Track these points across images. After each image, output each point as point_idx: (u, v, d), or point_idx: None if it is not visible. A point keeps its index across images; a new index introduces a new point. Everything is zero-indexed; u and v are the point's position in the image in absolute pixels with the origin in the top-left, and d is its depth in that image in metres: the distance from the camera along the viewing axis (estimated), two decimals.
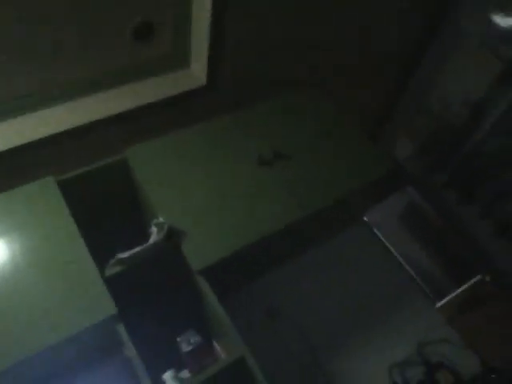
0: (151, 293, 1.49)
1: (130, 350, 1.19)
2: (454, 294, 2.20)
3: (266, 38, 1.83)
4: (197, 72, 1.82)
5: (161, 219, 1.36)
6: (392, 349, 1.96)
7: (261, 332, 1.66)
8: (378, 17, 2.07)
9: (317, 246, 2.01)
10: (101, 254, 1.32)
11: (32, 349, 1.12)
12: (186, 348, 1.31)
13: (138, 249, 1.28)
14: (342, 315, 2.01)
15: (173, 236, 1.36)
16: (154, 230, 1.34)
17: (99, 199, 1.60)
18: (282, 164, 1.60)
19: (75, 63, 1.58)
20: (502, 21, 1.90)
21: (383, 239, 2.40)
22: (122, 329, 1.21)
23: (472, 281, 2.24)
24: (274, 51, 1.93)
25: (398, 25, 2.20)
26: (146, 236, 1.38)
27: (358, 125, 1.84)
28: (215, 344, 1.48)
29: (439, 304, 2.18)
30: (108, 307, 1.20)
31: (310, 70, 2.12)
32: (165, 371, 1.27)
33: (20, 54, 1.42)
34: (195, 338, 1.32)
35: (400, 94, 2.64)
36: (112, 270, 1.28)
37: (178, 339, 1.33)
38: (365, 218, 2.44)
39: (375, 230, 2.43)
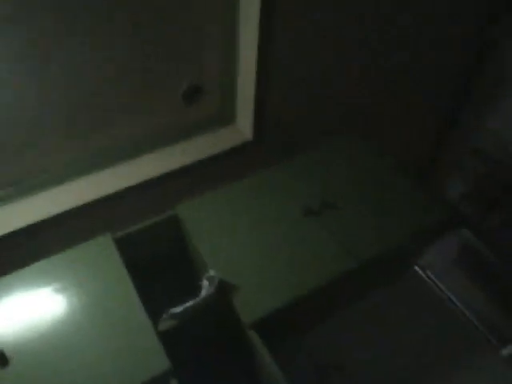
0: (204, 347, 1.50)
1: None
2: None
3: (311, 91, 1.90)
4: (243, 128, 1.90)
5: (211, 273, 1.39)
6: None
7: None
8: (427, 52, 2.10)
9: (370, 295, 1.96)
10: (153, 308, 1.35)
11: None
12: None
13: (190, 303, 1.31)
14: (399, 368, 1.91)
15: (223, 289, 1.38)
16: (205, 283, 1.37)
17: (151, 254, 1.67)
18: (331, 214, 1.61)
19: (127, 126, 1.70)
20: None
21: (438, 283, 2.31)
22: None
23: None
24: (319, 102, 1.99)
25: (447, 60, 2.21)
26: (197, 289, 1.41)
27: (408, 167, 1.83)
28: None
29: (505, 351, 2.04)
30: (162, 362, 1.22)
31: (356, 114, 2.16)
32: None
33: (75, 119, 1.56)
34: None
35: (451, 132, 2.61)
36: (165, 324, 1.31)
37: None
38: (418, 263, 2.37)
39: (429, 274, 2.34)
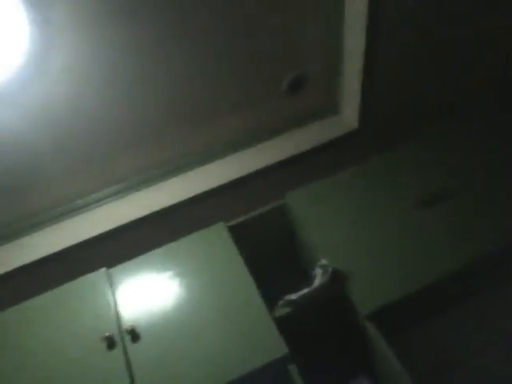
0: (319, 335, 1.50)
1: None
2: None
3: (419, 75, 1.82)
4: (348, 117, 1.87)
5: (324, 261, 1.39)
6: None
7: (432, 378, 1.54)
8: None
9: (494, 289, 1.81)
10: (264, 294, 1.38)
11: None
12: None
13: (305, 290, 1.32)
14: None
15: (337, 279, 1.37)
16: (318, 271, 1.37)
17: (261, 242, 1.71)
18: (446, 203, 1.52)
19: (236, 120, 1.75)
20: None
21: None
22: (293, 369, 1.24)
23: None
24: (426, 86, 1.90)
25: None
26: (308, 277, 1.42)
27: None
28: None
29: None
30: (280, 347, 1.24)
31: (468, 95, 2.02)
32: None
33: (185, 116, 1.64)
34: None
35: None
36: (282, 310, 1.33)
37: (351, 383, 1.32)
38: None
39: None
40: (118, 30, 1.31)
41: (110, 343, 1.31)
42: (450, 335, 1.67)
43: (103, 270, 1.50)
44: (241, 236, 1.57)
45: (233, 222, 1.59)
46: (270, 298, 1.38)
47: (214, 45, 1.48)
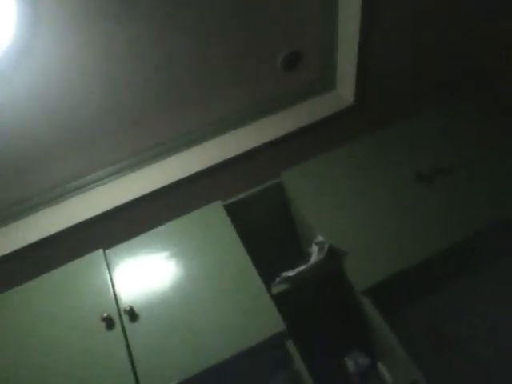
0: (316, 311, 1.52)
1: (299, 367, 1.22)
2: None
3: (416, 53, 1.79)
4: (344, 92, 1.85)
5: (320, 238, 1.39)
6: None
7: (429, 355, 1.56)
8: None
9: (489, 264, 1.82)
10: (261, 272, 1.39)
11: (205, 363, 1.22)
12: (353, 369, 1.30)
13: (302, 267, 1.33)
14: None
15: (333, 255, 1.37)
16: (314, 248, 1.37)
17: (258, 220, 1.71)
18: (443, 179, 1.51)
19: (231, 98, 1.73)
20: None
21: None
22: (290, 344, 1.25)
23: None
24: (423, 64, 1.87)
25: None
26: (304, 254, 1.43)
27: None
28: (380, 366, 1.44)
29: None
30: (277, 323, 1.25)
31: (465, 72, 1.99)
32: None
33: (180, 95, 1.62)
34: (363, 360, 1.30)
35: None
36: (279, 287, 1.34)
37: (346, 359, 1.33)
38: None
39: None
40: (107, 16, 1.28)
41: (109, 323, 1.32)
42: (444, 311, 1.68)
43: (100, 250, 1.50)
44: (238, 214, 1.57)
45: (229, 201, 1.58)
46: (268, 275, 1.39)
47: (208, 23, 1.45)
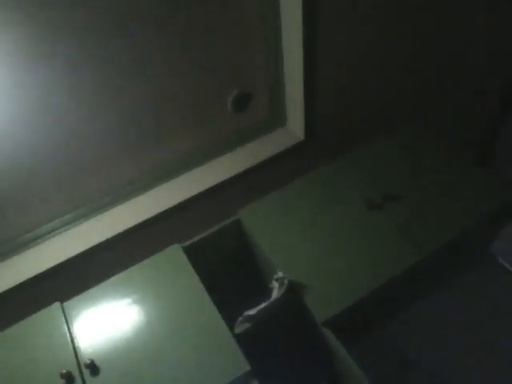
0: (280, 347, 1.52)
1: None
2: None
3: (361, 88, 1.89)
4: (294, 129, 1.92)
5: (280, 274, 1.41)
6: None
7: (391, 378, 1.59)
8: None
9: (442, 286, 1.90)
10: (225, 312, 1.39)
11: None
12: None
13: (263, 305, 1.33)
14: (479, 355, 1.83)
15: (294, 289, 1.39)
16: (275, 285, 1.39)
17: (219, 260, 1.71)
18: (393, 205, 1.58)
19: (182, 139, 1.76)
20: None
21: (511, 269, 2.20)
22: None
23: None
24: (369, 99, 1.97)
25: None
26: (267, 291, 1.44)
27: (467, 155, 1.77)
28: None
29: None
30: (242, 364, 1.25)
31: (409, 106, 2.12)
32: None
33: (130, 137, 1.63)
34: None
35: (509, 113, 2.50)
36: (241, 327, 1.34)
37: None
38: (490, 250, 2.27)
39: (501, 261, 2.24)
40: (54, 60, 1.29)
41: (69, 379, 1.27)
42: (404, 335, 1.73)
43: (57, 304, 1.46)
44: (197, 256, 1.57)
45: (188, 243, 1.59)
46: (231, 315, 1.39)
47: (154, 65, 1.48)
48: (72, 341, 1.37)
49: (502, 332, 1.91)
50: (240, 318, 1.35)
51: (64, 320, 1.42)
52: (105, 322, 1.41)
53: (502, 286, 2.12)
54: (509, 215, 1.74)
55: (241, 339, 1.31)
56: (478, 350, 1.85)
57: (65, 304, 1.47)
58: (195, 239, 1.59)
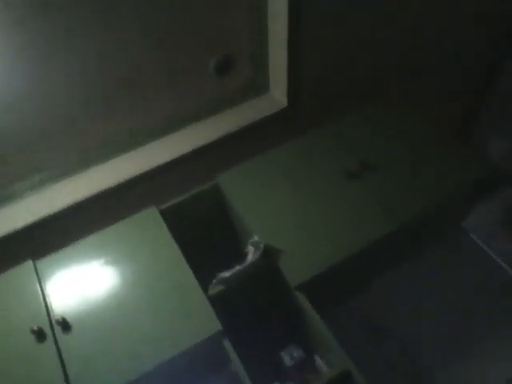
0: (253, 309, 1.54)
1: (237, 365, 1.24)
2: None
3: (346, 56, 1.86)
4: (277, 95, 1.89)
5: (256, 238, 1.42)
6: (509, 359, 1.81)
7: (361, 345, 1.63)
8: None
9: (414, 257, 1.95)
10: (201, 274, 1.40)
11: (143, 367, 1.21)
12: (289, 362, 1.33)
13: (238, 268, 1.34)
14: (448, 327, 1.90)
15: (269, 254, 1.41)
16: (250, 249, 1.40)
17: (196, 224, 1.71)
18: (371, 176, 1.59)
19: (164, 104, 1.72)
20: None
21: (483, 245, 2.26)
22: (228, 344, 1.27)
23: None
24: (354, 67, 1.95)
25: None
26: (243, 254, 1.45)
27: (447, 129, 1.79)
28: (317, 358, 1.48)
29: None
30: (214, 324, 1.26)
31: (388, 80, 2.11)
32: None
33: (112, 101, 1.60)
34: (298, 353, 1.34)
35: (488, 90, 2.51)
36: (215, 288, 1.35)
37: (281, 353, 1.36)
38: (462, 224, 2.32)
39: (473, 236, 2.30)
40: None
41: (40, 336, 1.27)
42: (375, 304, 1.78)
43: (30, 262, 1.44)
44: (174, 219, 1.56)
45: (165, 206, 1.58)
46: (207, 278, 1.40)
47: (138, 28, 1.44)
48: (44, 299, 1.37)
49: (468, 305, 1.98)
50: (214, 280, 1.36)
51: (36, 278, 1.41)
52: (78, 281, 1.40)
53: (473, 261, 2.18)
54: (483, 190, 1.77)
55: (214, 301, 1.32)
56: (447, 321, 1.91)
57: (38, 262, 1.46)
58: (172, 202, 1.58)
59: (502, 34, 2.25)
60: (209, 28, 1.58)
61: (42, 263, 1.46)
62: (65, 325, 1.30)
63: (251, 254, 1.39)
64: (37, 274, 1.42)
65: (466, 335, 1.89)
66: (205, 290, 1.35)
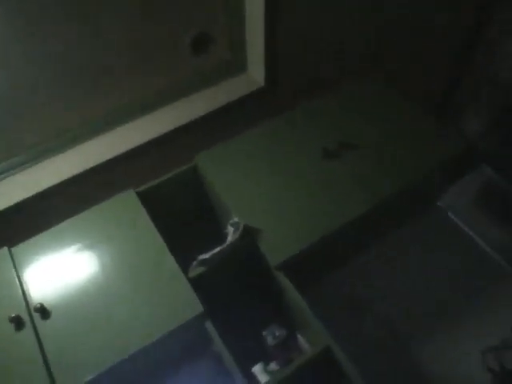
0: (235, 290, 1.55)
1: (219, 346, 1.25)
2: None
3: (320, 32, 1.84)
4: (255, 75, 1.87)
5: (236, 219, 1.41)
6: (483, 333, 1.87)
7: (342, 322, 1.66)
8: None
9: (392, 234, 1.98)
10: (181, 257, 1.39)
11: (124, 352, 1.20)
12: (271, 341, 1.35)
13: (217, 249, 1.34)
14: (425, 301, 1.95)
15: (248, 234, 1.40)
16: (230, 229, 1.40)
17: (175, 206, 1.70)
18: (349, 154, 1.60)
19: (140, 82, 1.68)
20: None
21: (459, 223, 2.31)
22: (210, 326, 1.27)
23: None
24: (329, 43, 1.93)
25: None
26: (223, 236, 1.44)
27: (422, 106, 1.79)
28: (299, 336, 1.51)
29: None
30: (195, 306, 1.26)
31: (365, 55, 2.10)
32: (253, 365, 1.32)
33: (84, 81, 1.55)
34: (280, 331, 1.35)
35: (463, 67, 2.52)
36: (195, 270, 1.35)
37: (264, 333, 1.38)
38: (439, 203, 2.36)
39: (450, 214, 2.34)
40: None
41: (19, 323, 1.25)
42: (355, 280, 1.81)
43: (5, 248, 1.41)
44: (153, 201, 1.54)
45: (142, 188, 1.55)
46: (187, 260, 1.39)
47: (113, 5, 1.39)
48: (21, 286, 1.34)
49: (445, 280, 2.03)
50: (194, 262, 1.35)
51: (12, 265, 1.38)
52: (56, 266, 1.38)
53: (449, 238, 2.22)
54: (460, 167, 1.80)
55: (195, 283, 1.32)
56: (426, 296, 1.96)
57: (13, 249, 1.42)
58: (150, 184, 1.56)
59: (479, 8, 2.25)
60: (183, 3, 1.54)
61: (18, 250, 1.42)
62: (43, 311, 1.28)
63: (231, 235, 1.39)
64: (13, 261, 1.39)
65: (444, 310, 1.94)
66: (185, 272, 1.34)
